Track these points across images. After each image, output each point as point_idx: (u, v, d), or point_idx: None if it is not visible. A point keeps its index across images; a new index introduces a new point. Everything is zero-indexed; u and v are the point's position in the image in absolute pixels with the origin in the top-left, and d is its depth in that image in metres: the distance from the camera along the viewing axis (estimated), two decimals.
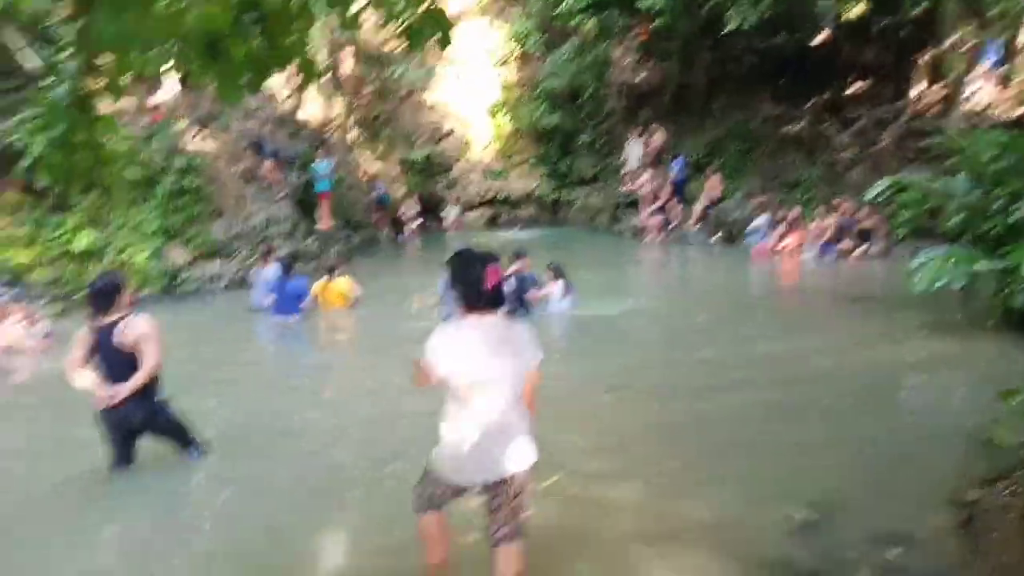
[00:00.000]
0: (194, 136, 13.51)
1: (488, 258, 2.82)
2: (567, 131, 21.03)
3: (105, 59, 2.74)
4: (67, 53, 2.75)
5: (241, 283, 12.20)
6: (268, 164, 14.51)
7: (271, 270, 10.03)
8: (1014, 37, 13.09)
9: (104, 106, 2.89)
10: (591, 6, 17.31)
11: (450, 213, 20.85)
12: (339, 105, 18.92)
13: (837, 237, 12.30)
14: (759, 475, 4.07)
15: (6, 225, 10.84)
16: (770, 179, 15.19)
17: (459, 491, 2.87)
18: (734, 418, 5.10)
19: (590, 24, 18.73)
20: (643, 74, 19.63)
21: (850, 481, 3.94)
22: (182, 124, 13.22)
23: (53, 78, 2.84)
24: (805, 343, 7.32)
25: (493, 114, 22.18)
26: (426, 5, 3.14)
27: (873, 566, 3.06)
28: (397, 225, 19.56)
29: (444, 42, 3.05)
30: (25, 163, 5.62)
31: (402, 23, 3.07)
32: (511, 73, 22.78)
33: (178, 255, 11.87)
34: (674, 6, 15.29)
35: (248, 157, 14.50)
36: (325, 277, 10.12)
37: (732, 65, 17.25)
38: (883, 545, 3.18)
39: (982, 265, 6.83)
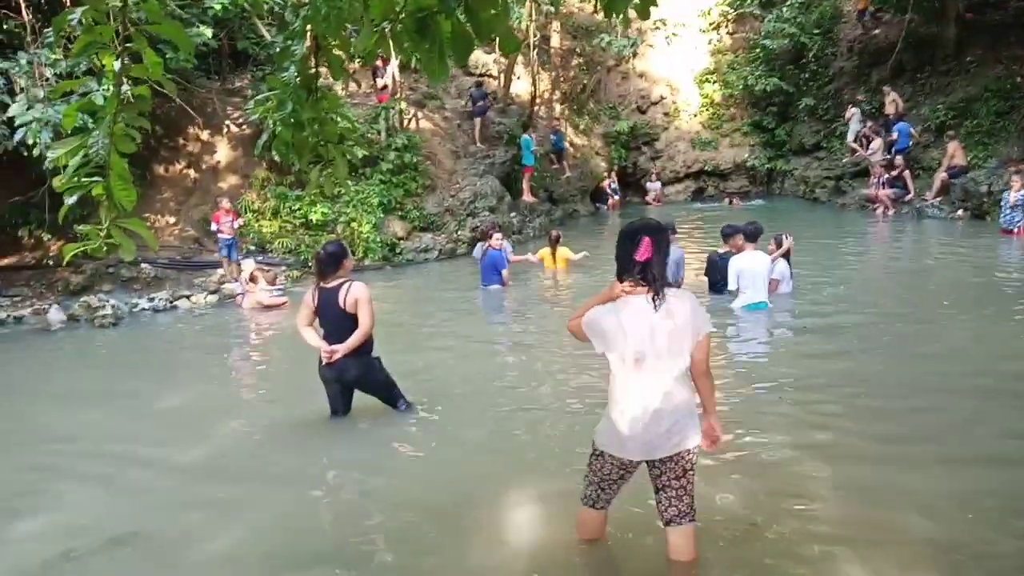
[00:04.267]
0: (413, 116, 14.47)
1: (645, 229, 2.68)
2: (787, 95, 19.53)
3: (329, 43, 2.96)
4: (294, 39, 3.02)
5: (451, 254, 12.97)
6: (479, 121, 15.29)
7: (482, 247, 10.43)
8: None
9: (337, 90, 3.14)
10: None
11: (652, 186, 20.38)
12: (546, 79, 19.18)
13: None
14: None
15: (256, 199, 12.44)
16: None
17: (625, 469, 2.80)
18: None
19: None
20: (878, 29, 17.56)
21: None
22: (403, 105, 14.21)
23: (285, 62, 3.13)
24: None
25: (704, 80, 21.22)
26: None
27: None
28: (598, 197, 19.54)
29: (645, 9, 2.91)
30: (263, 140, 6.33)
31: None
32: (725, 36, 21.58)
33: (397, 227, 12.84)
34: None
35: (462, 134, 15.27)
36: (548, 248, 10.89)
37: (989, 12, 14.81)
38: None
39: None
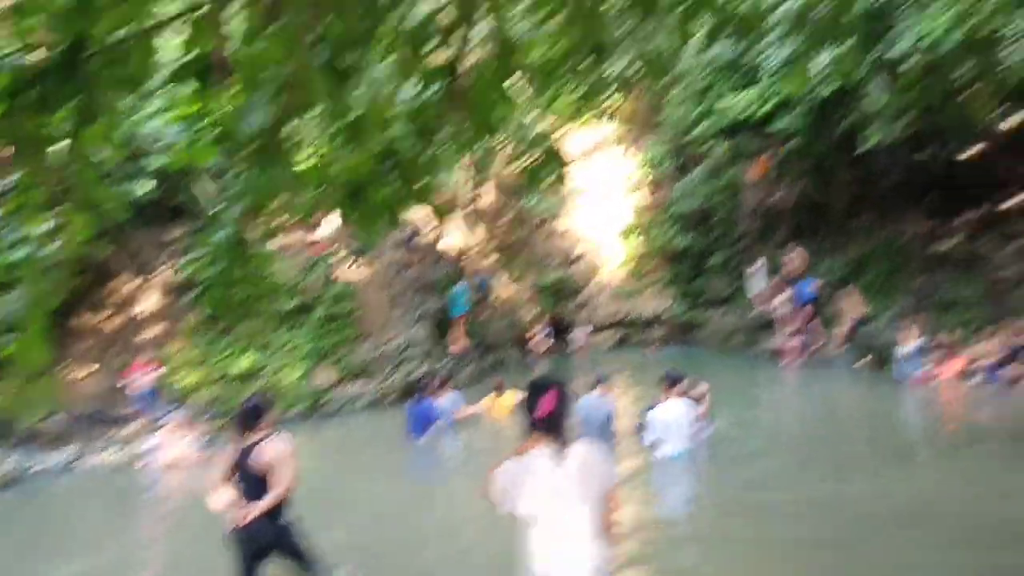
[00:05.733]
0: (349, 266, 14.76)
1: (548, 383, 2.82)
2: (699, 252, 20.93)
3: (266, 205, 3.14)
4: (231, 200, 3.18)
5: (382, 403, 12.79)
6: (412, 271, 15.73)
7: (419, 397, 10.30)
8: None
9: (271, 243, 3.28)
10: (723, 131, 17.60)
11: (577, 335, 20.96)
12: (479, 234, 20.06)
13: (1003, 363, 11.04)
14: None
15: (184, 347, 12.15)
16: (922, 299, 14.11)
17: None
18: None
19: (722, 148, 19.01)
20: (777, 194, 19.37)
21: None
22: (338, 256, 14.51)
23: (220, 223, 3.27)
24: (957, 479, 6.46)
25: (625, 237, 22.60)
26: (544, 147, 3.39)
27: None
28: (525, 345, 19.88)
29: (559, 180, 3.27)
30: (194, 295, 6.34)
31: (525, 162, 3.32)
32: (643, 197, 23.31)
33: (326, 376, 12.66)
34: (807, 126, 15.19)
35: (395, 283, 15.58)
36: (493, 394, 10.70)
37: (874, 182, 16.65)
38: None
39: None
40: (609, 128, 23.02)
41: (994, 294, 13.05)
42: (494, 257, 20.70)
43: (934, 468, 7.26)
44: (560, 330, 21.36)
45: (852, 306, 14.67)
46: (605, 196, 22.91)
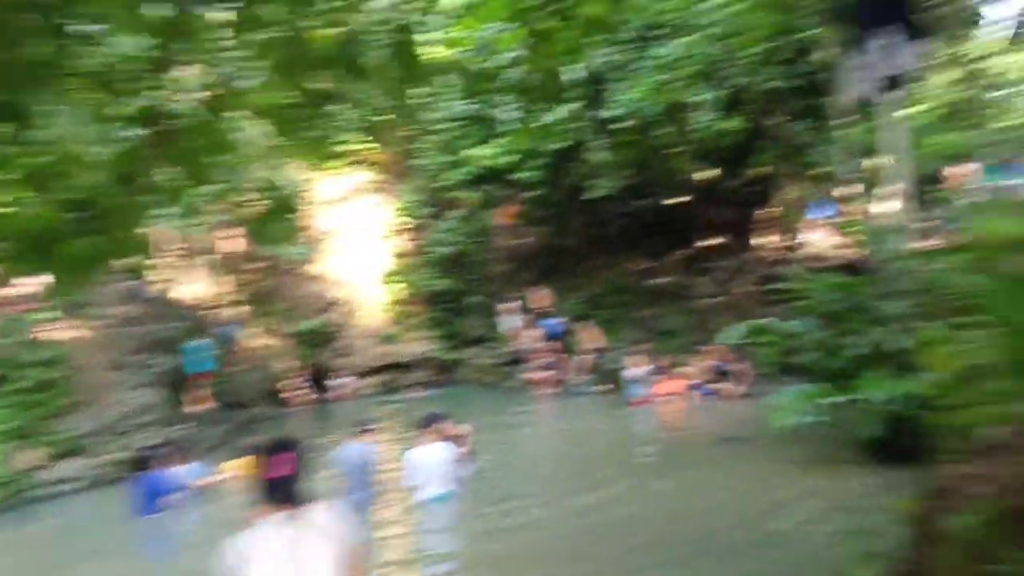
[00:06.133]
0: (58, 325, 12.82)
1: (280, 445, 2.71)
2: (456, 293, 21.63)
3: None
4: None
5: (105, 482, 11.14)
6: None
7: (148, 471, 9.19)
8: (842, 193, 14.98)
9: None
10: (473, 179, 18.53)
11: (338, 382, 20.37)
12: (223, 282, 18.69)
13: (710, 380, 12.90)
14: None
15: None
16: (647, 329, 15.99)
17: None
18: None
19: (473, 195, 19.99)
20: (521, 239, 20.81)
21: None
22: (46, 314, 12.56)
23: None
24: (682, 485, 7.41)
25: (384, 281, 22.58)
26: (276, 194, 3.28)
27: None
28: (281, 398, 18.85)
29: (290, 228, 3.18)
30: None
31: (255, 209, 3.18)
32: (401, 242, 23.56)
33: (30, 457, 10.79)
34: (544, 178, 16.59)
35: (119, 342, 13.84)
36: (243, 456, 9.74)
37: (603, 227, 18.62)
38: None
39: (834, 399, 7.32)
40: (364, 175, 23.04)
41: (701, 321, 15.21)
42: (242, 307, 19.42)
43: (662, 475, 8.20)
44: (319, 379, 20.58)
45: (591, 339, 16.15)
46: (364, 241, 22.77)
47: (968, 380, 3.31)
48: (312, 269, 21.57)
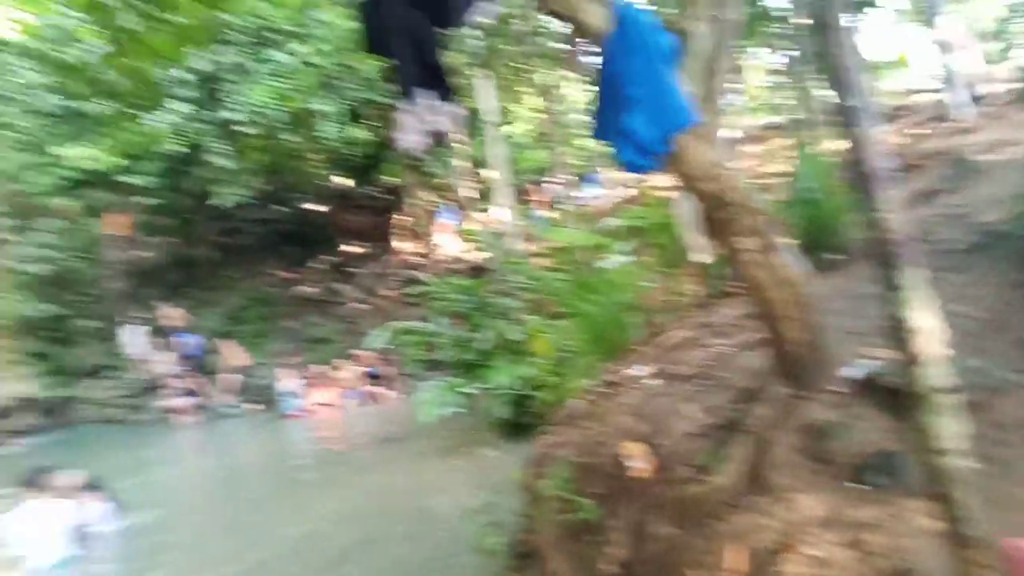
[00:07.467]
0: None
1: None
2: (58, 319, 18.38)
3: None
4: None
5: None
6: None
7: None
8: (463, 201, 16.43)
9: None
10: (69, 186, 15.87)
11: None
12: None
13: (363, 384, 13.19)
14: None
15: None
16: (296, 339, 15.63)
17: None
18: None
19: (71, 201, 17.19)
20: (142, 252, 18.65)
21: None
22: None
23: None
24: (344, 491, 7.55)
25: None
26: None
27: None
28: None
29: None
30: None
31: None
32: None
33: None
34: (162, 183, 15.02)
35: None
36: None
37: (237, 236, 17.62)
38: None
39: (469, 388, 8.12)
40: None
41: (350, 327, 15.37)
42: None
43: (322, 485, 8.17)
44: None
45: (234, 356, 15.14)
46: None
47: (558, 362, 4.00)
48: None
